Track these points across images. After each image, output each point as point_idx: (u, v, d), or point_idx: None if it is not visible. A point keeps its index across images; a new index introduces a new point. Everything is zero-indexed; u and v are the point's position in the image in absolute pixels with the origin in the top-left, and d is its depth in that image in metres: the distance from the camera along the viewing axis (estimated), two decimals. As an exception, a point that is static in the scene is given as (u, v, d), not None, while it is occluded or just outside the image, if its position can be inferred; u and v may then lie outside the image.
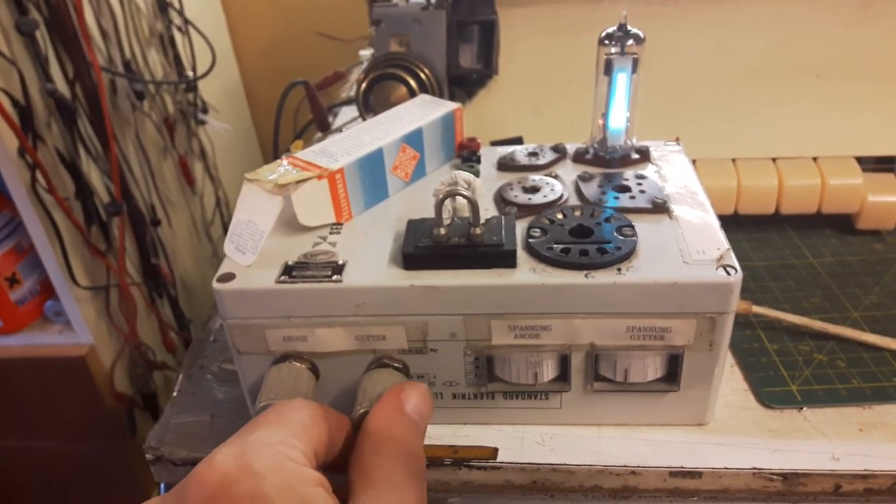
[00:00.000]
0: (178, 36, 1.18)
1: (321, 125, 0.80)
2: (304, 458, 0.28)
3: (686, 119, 0.61)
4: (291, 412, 0.30)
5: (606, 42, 0.44)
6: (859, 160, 0.59)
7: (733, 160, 0.60)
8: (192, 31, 1.16)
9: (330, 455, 0.31)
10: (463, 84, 0.64)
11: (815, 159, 0.59)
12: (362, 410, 0.34)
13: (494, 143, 0.60)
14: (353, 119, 0.83)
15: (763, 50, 0.62)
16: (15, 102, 0.80)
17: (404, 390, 0.33)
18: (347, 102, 0.90)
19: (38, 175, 0.83)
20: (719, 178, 0.59)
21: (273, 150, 0.77)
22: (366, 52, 1.07)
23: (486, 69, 0.62)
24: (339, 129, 0.82)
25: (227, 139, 1.38)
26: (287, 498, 0.26)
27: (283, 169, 0.40)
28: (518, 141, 0.61)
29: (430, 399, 0.34)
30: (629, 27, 0.44)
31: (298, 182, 0.39)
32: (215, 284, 0.37)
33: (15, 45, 0.81)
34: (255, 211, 0.39)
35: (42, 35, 0.84)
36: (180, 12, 1.15)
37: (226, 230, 1.33)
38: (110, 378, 0.99)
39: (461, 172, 0.38)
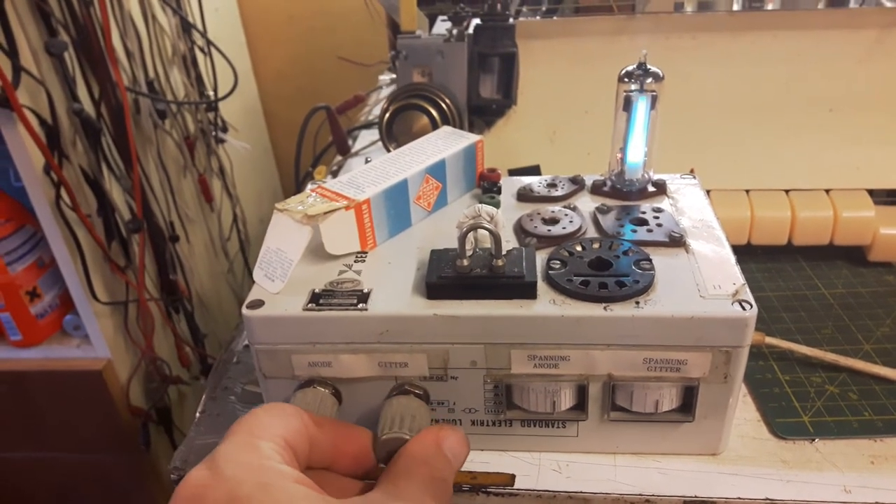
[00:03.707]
0: (200, 56, 1.20)
1: (341, 149, 0.82)
2: (278, 456, 0.29)
3: (701, 150, 0.63)
4: (258, 417, 0.31)
5: (626, 79, 0.45)
6: (871, 193, 0.60)
7: (747, 191, 0.61)
8: (213, 51, 1.18)
9: (315, 454, 0.32)
10: (482, 114, 0.65)
11: (827, 191, 0.60)
12: (392, 436, 0.35)
13: (512, 172, 0.62)
14: (373, 143, 0.85)
15: (777, 83, 0.63)
16: (42, 121, 0.82)
17: (443, 430, 0.34)
18: (367, 126, 0.91)
19: (63, 192, 0.85)
20: (733, 208, 0.60)
21: (294, 173, 0.78)
22: (385, 77, 1.09)
23: (506, 99, 0.64)
24: (359, 153, 0.83)
25: (246, 157, 1.40)
26: (264, 496, 0.26)
27: (311, 200, 0.41)
28: (536, 169, 0.62)
29: (466, 444, 0.34)
30: (648, 65, 0.45)
31: (326, 213, 0.40)
32: (245, 311, 0.38)
33: (44, 66, 0.83)
34: (284, 240, 0.40)
35: (70, 56, 0.86)
36: (203, 33, 1.17)
37: (242, 247, 1.34)
38: (126, 392, 1.00)
39: (484, 206, 0.39)
